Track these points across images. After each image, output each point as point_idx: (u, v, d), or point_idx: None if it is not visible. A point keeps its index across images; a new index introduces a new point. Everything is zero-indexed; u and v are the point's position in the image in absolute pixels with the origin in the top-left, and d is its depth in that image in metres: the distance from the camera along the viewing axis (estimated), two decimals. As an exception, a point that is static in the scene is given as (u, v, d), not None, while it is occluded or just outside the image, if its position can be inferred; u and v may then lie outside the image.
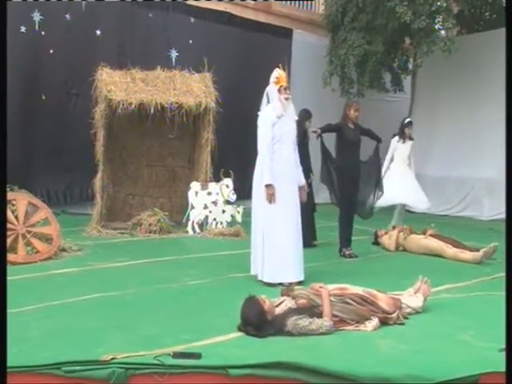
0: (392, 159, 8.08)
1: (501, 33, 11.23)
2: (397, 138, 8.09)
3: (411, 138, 8.09)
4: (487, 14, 13.59)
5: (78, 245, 6.51)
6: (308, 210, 6.64)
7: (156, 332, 3.57)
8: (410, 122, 8.12)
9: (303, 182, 5.37)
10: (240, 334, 3.55)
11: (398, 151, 8.05)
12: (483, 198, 11.07)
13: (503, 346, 3.19)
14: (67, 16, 9.50)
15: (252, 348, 3.31)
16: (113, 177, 8.45)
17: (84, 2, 9.58)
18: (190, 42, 10.73)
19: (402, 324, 3.88)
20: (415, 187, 8.09)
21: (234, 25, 11.60)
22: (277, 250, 4.98)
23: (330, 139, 6.79)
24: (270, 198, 4.96)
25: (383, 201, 7.36)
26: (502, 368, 2.91)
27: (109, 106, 7.68)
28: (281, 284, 4.83)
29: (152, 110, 7.74)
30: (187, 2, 11.08)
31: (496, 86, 10.86)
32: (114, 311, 4.08)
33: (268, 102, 5.16)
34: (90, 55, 9.14)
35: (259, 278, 5.04)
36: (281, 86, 5.09)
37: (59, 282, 5.00)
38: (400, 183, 7.86)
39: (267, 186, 4.97)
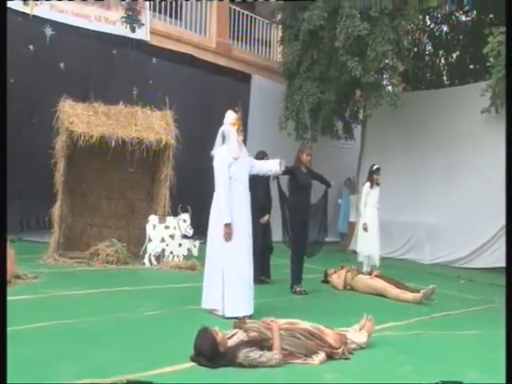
0: (365, 204, 8.44)
1: (439, 93, 12.36)
2: (368, 184, 8.48)
3: (378, 184, 8.51)
4: (428, 74, 14.95)
5: (33, 272, 6.42)
6: (259, 247, 6.82)
7: (109, 360, 3.58)
8: (378, 169, 8.51)
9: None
10: (192, 364, 3.62)
11: (370, 196, 8.43)
12: (424, 243, 11.66)
13: (439, 380, 3.45)
14: (31, 47, 9.56)
15: (204, 378, 3.44)
16: (72, 207, 8.43)
17: (49, 34, 9.73)
18: (150, 81, 10.93)
19: (347, 359, 4.04)
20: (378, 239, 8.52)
21: (195, 67, 11.91)
22: (236, 285, 5.15)
23: (285, 179, 7.08)
24: (228, 236, 5.16)
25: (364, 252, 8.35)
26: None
27: (70, 137, 7.73)
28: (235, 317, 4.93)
29: (113, 144, 7.84)
30: (150, 43, 11.39)
31: (437, 138, 11.69)
32: (67, 339, 4.04)
33: (223, 142, 5.38)
34: (53, 87, 9.16)
35: (221, 314, 5.14)
36: (238, 128, 5.40)
37: (12, 309, 4.83)
38: (372, 236, 8.34)
39: (226, 224, 5.16)
